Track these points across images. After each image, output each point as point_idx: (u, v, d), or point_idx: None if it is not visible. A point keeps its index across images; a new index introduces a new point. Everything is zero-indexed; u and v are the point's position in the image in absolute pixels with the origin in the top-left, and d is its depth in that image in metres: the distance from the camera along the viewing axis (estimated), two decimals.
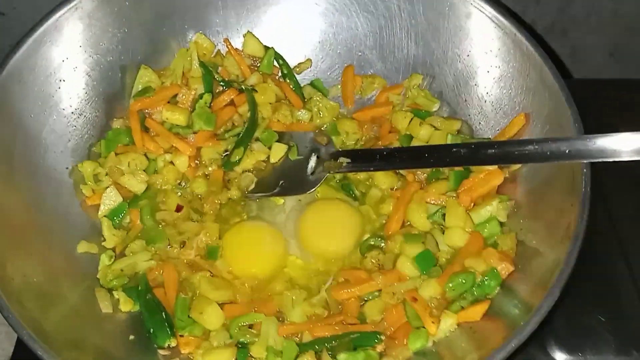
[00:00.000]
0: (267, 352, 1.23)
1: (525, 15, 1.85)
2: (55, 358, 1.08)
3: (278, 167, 1.49)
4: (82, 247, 1.35)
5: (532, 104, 1.37)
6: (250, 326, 1.28)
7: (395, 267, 1.31)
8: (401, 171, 1.45)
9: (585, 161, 1.18)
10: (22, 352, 1.34)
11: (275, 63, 1.59)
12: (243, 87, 1.52)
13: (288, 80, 1.59)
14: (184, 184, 1.47)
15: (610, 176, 1.42)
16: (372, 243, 1.38)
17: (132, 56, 1.49)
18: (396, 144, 1.48)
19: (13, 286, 1.16)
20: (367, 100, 1.60)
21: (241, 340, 1.26)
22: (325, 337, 1.24)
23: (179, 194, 1.45)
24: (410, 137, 1.48)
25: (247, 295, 1.33)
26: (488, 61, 1.44)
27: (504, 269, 1.25)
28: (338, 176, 1.48)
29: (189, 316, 1.27)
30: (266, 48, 1.58)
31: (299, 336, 1.26)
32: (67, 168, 1.41)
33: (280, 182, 1.47)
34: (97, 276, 1.34)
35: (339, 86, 1.60)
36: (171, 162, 1.45)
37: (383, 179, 1.45)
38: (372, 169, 1.43)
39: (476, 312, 1.23)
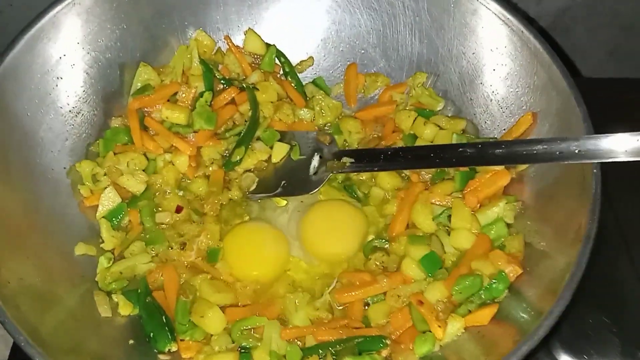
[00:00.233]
0: (270, 356, 1.22)
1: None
2: None
3: (280, 167, 1.48)
4: (80, 249, 1.33)
5: (539, 102, 1.36)
6: (253, 330, 1.26)
7: (400, 269, 1.30)
8: (405, 171, 1.44)
9: (595, 161, 1.17)
10: (19, 356, 1.34)
11: (277, 61, 1.58)
12: (244, 85, 1.51)
13: (290, 79, 1.58)
14: (186, 181, 1.45)
15: (615, 177, 1.40)
16: (376, 244, 1.37)
17: (131, 53, 1.48)
18: (400, 144, 1.47)
19: (9, 290, 1.15)
20: (370, 99, 1.59)
21: (243, 344, 1.25)
22: (329, 342, 1.23)
23: (180, 193, 1.43)
24: (415, 137, 1.47)
25: (249, 299, 1.32)
26: (494, 59, 1.43)
27: (512, 271, 1.24)
28: (340, 177, 1.47)
29: (189, 320, 1.25)
30: (267, 45, 1.57)
31: (302, 340, 1.25)
32: (64, 168, 1.39)
33: (282, 183, 1.45)
34: (96, 279, 1.33)
35: (342, 84, 1.60)
36: (171, 162, 1.44)
37: (387, 179, 1.43)
38: (376, 169, 1.42)
39: (484, 315, 1.22)
